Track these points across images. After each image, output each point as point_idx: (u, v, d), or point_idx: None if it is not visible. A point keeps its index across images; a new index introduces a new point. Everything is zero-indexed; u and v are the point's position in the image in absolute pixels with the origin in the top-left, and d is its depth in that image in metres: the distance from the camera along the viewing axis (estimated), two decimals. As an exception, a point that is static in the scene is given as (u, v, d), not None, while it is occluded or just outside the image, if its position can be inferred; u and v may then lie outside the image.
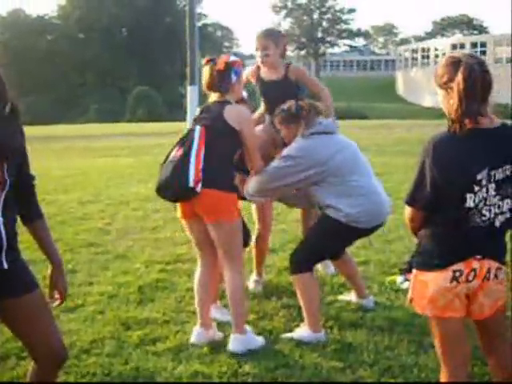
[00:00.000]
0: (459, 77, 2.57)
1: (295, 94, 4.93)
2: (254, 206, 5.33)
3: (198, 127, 4.00)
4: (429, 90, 55.60)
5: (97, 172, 13.59)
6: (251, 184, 4.36)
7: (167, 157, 4.05)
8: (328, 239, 4.33)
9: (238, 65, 4.14)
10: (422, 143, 2.73)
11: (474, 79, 2.57)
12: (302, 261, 4.32)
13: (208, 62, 4.13)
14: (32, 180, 2.69)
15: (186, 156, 3.90)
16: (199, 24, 44.54)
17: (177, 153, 3.97)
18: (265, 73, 5.18)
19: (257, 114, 5.22)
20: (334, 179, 4.22)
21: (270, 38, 5.06)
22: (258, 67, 5.20)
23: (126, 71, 59.01)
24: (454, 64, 2.63)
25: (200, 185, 3.84)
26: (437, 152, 2.63)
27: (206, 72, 4.13)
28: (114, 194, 10.51)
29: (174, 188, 3.93)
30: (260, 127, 5.00)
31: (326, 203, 4.25)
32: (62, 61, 59.33)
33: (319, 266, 5.31)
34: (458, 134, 2.61)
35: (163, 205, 7.49)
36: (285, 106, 4.45)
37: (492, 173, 2.62)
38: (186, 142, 3.99)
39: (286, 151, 4.33)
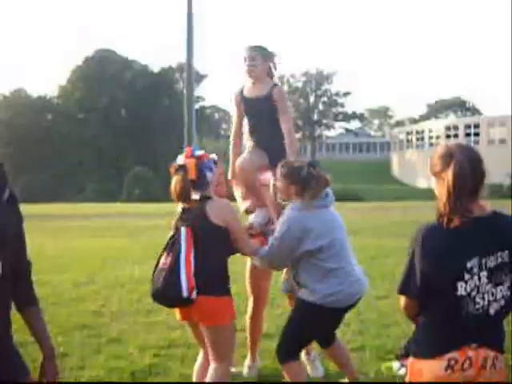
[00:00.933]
0: (449, 174, 2.63)
1: (276, 115, 4.91)
2: (247, 280, 5.24)
3: (183, 229, 3.86)
4: (423, 172, 56.12)
5: (92, 252, 13.54)
6: (258, 263, 4.40)
7: (157, 264, 3.93)
8: (306, 325, 4.24)
9: (205, 158, 3.96)
10: (418, 225, 2.76)
11: (463, 177, 2.62)
12: (287, 351, 4.25)
13: (176, 170, 3.92)
14: (28, 266, 2.68)
15: (176, 263, 3.79)
16: (197, 106, 45.33)
17: (166, 260, 3.86)
18: (248, 91, 5.09)
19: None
20: (315, 260, 4.14)
21: (259, 50, 5.02)
22: (241, 90, 5.14)
23: (123, 151, 59.70)
24: (446, 158, 2.69)
25: (195, 292, 3.74)
26: (425, 242, 2.66)
27: (176, 183, 3.88)
28: (108, 275, 10.44)
29: (168, 298, 3.84)
30: (243, 157, 4.97)
31: (303, 281, 4.21)
32: (60, 140, 60.18)
33: (308, 369, 5.17)
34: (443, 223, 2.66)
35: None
36: (296, 164, 4.28)
37: (483, 260, 2.63)
38: (173, 246, 3.87)
39: (283, 222, 4.20)
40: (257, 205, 5.01)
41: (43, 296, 7.34)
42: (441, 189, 2.70)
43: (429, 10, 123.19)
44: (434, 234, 2.68)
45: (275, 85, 5.06)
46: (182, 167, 3.87)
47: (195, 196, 3.89)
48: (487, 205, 2.74)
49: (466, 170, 2.63)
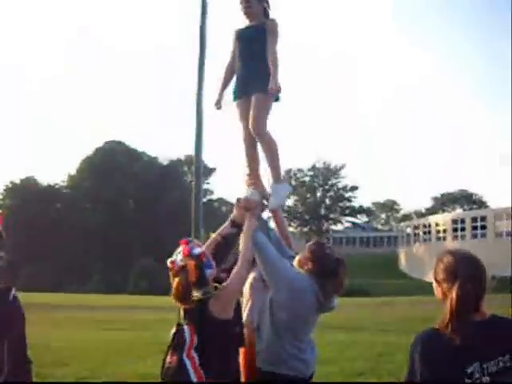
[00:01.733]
0: (453, 295, 2.70)
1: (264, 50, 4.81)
2: None
3: (186, 327, 3.85)
4: (431, 266, 54.86)
5: (96, 346, 13.36)
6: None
7: (164, 363, 3.89)
8: None
9: (204, 255, 3.91)
10: (426, 321, 2.79)
11: (467, 298, 2.69)
12: None
13: (178, 272, 3.85)
14: (29, 365, 2.69)
15: (180, 361, 3.77)
16: (205, 199, 45.68)
17: (172, 358, 3.84)
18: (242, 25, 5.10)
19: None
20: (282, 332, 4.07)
21: None
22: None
23: (130, 243, 59.78)
24: (450, 274, 2.77)
25: (203, 379, 3.73)
26: (424, 348, 2.68)
27: (178, 285, 3.82)
28: (111, 371, 10.26)
29: None
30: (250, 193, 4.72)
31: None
32: (68, 229, 60.37)
33: None
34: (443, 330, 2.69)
35: None
36: (327, 250, 4.23)
37: (484, 365, 2.61)
38: (177, 344, 3.84)
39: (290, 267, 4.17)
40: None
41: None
42: (445, 302, 2.77)
43: (432, 105, 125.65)
44: (432, 340, 2.70)
45: (271, 20, 5.04)
46: (183, 269, 3.84)
47: (197, 294, 3.86)
48: (486, 309, 2.77)
49: (470, 291, 2.69)
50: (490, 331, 2.70)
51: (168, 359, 3.87)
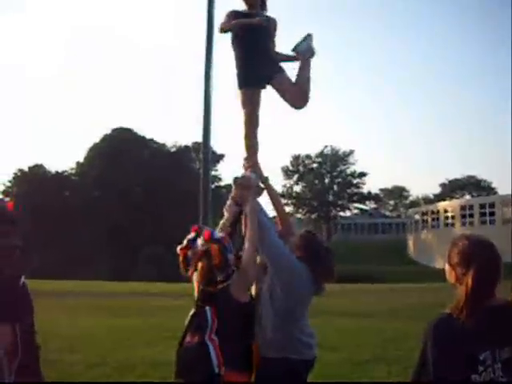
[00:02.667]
0: (469, 279, 2.66)
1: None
2: None
3: (207, 309, 3.88)
4: (440, 252, 55.66)
5: (105, 332, 13.40)
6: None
7: (181, 342, 3.92)
8: None
9: (226, 240, 3.96)
10: (435, 307, 2.76)
11: (483, 282, 2.66)
12: None
13: (201, 256, 3.92)
14: (37, 350, 2.71)
15: (203, 341, 3.80)
16: (213, 186, 45.72)
17: (193, 338, 3.87)
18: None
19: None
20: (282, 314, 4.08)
21: None
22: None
23: (138, 230, 59.89)
24: (466, 258, 2.73)
25: (223, 368, 3.74)
26: (437, 334, 2.65)
27: (202, 269, 3.90)
28: (120, 356, 10.29)
29: (199, 373, 3.79)
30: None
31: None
32: (76, 216, 60.52)
33: None
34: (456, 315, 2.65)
35: (170, 372, 7.29)
36: (317, 238, 4.36)
37: (497, 352, 2.58)
38: (199, 325, 3.87)
39: (289, 253, 4.21)
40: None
41: (54, 377, 7.23)
42: (458, 286, 2.74)
43: (438, 91, 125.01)
44: (445, 326, 2.67)
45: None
46: (206, 252, 3.88)
47: (219, 277, 3.91)
48: (501, 294, 2.74)
49: (486, 275, 2.67)
50: (504, 317, 2.67)
51: (187, 339, 3.89)
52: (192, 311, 3.98)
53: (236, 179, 4.52)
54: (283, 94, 5.01)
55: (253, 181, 4.54)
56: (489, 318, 2.64)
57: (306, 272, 4.14)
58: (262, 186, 4.73)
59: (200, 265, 3.90)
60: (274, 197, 4.89)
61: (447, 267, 2.85)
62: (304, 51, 4.98)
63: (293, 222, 4.99)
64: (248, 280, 4.06)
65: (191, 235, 4.04)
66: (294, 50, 5.00)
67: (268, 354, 4.07)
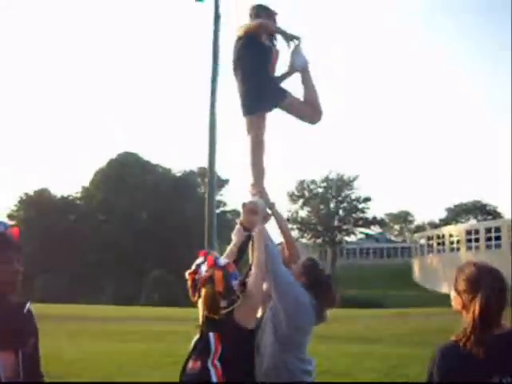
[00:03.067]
0: (476, 306, 2.67)
1: None
2: None
3: (211, 335, 3.86)
4: (445, 277, 55.41)
5: (109, 357, 13.34)
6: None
7: (184, 368, 3.90)
8: None
9: (230, 267, 3.94)
10: (440, 333, 2.77)
11: (490, 310, 2.68)
12: None
13: (204, 283, 3.88)
14: (42, 379, 2.73)
15: (205, 367, 3.77)
16: (218, 211, 45.73)
17: (195, 364, 3.84)
18: None
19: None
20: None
21: (260, 9, 5.07)
22: None
23: (144, 254, 59.85)
24: (473, 285, 2.74)
25: None
26: (443, 362, 2.65)
27: (205, 296, 3.86)
28: (125, 381, 10.25)
29: None
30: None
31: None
32: (81, 240, 60.57)
33: None
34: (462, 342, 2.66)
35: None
36: (320, 266, 4.36)
37: (504, 381, 2.59)
38: (202, 351, 3.85)
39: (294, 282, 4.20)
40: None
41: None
42: (464, 313, 2.74)
43: (445, 116, 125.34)
44: (452, 353, 2.67)
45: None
46: (210, 279, 3.86)
47: (223, 305, 3.87)
48: (506, 320, 2.75)
49: (493, 303, 2.68)
50: (509, 345, 2.67)
51: (190, 365, 3.87)
52: (196, 337, 3.97)
53: (244, 204, 4.55)
54: (297, 116, 5.07)
55: (261, 206, 4.57)
56: (496, 346, 2.64)
57: (309, 300, 4.13)
58: (269, 211, 4.77)
59: (203, 291, 3.87)
60: (282, 223, 4.90)
61: (453, 294, 2.86)
62: (301, 64, 5.03)
63: (299, 248, 5.01)
64: (253, 306, 4.02)
65: (200, 260, 4.04)
66: (291, 67, 5.06)
67: (264, 380, 4.06)
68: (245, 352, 3.91)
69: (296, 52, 5.02)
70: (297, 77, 5.13)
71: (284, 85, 5.15)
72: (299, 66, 5.03)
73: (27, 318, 2.70)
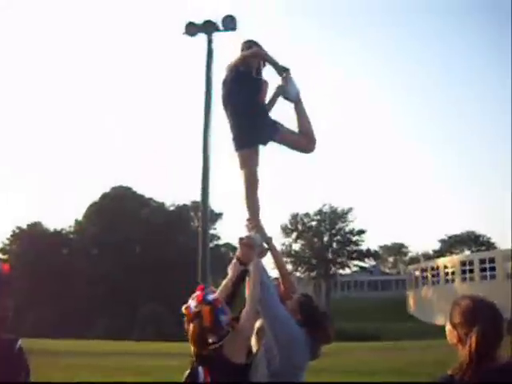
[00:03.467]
0: (473, 340, 2.68)
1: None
2: None
3: (200, 369, 3.86)
4: (440, 308, 55.19)
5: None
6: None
7: None
8: None
9: (218, 302, 3.91)
10: (437, 365, 2.77)
11: (487, 345, 2.67)
12: None
13: (193, 318, 3.85)
14: None
15: None
16: (212, 245, 45.62)
17: None
18: None
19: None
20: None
21: (252, 43, 5.09)
22: None
23: (137, 288, 59.48)
24: (470, 319, 2.74)
25: None
26: None
27: (193, 332, 3.83)
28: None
29: None
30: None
31: None
32: (74, 274, 60.20)
33: None
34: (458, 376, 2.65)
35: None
36: (314, 303, 4.35)
37: None
38: None
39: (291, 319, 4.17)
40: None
41: None
42: (460, 346, 2.73)
43: (436, 151, 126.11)
44: None
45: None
46: (198, 314, 3.84)
47: (211, 339, 3.85)
48: (505, 349, 2.73)
49: (489, 336, 2.68)
50: (507, 378, 2.66)
51: None
52: (187, 371, 3.95)
53: (241, 239, 4.55)
54: (291, 146, 5.07)
55: (257, 241, 4.56)
56: (492, 380, 2.63)
57: (304, 337, 4.11)
58: (265, 246, 4.76)
59: (191, 327, 3.85)
60: (278, 257, 4.89)
61: (449, 327, 2.84)
62: (294, 95, 5.05)
63: (294, 281, 5.00)
64: (243, 341, 3.99)
65: (195, 294, 4.03)
66: (285, 98, 5.08)
67: None
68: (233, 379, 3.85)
69: (288, 82, 5.04)
70: (284, 104, 5.16)
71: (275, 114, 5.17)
72: (293, 96, 5.04)
73: (18, 356, 2.66)
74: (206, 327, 3.80)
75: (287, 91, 5.05)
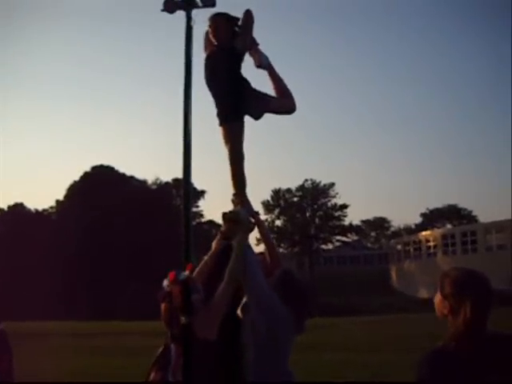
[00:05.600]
0: (467, 310, 2.68)
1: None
2: None
3: (172, 347, 3.87)
4: (422, 282, 55.78)
5: (90, 373, 13.20)
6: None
7: (147, 379, 3.89)
8: None
9: (189, 280, 3.90)
10: (420, 338, 2.76)
11: (481, 312, 2.67)
12: None
13: (164, 298, 3.87)
14: None
15: (165, 380, 3.76)
16: (194, 222, 45.58)
17: (155, 376, 3.84)
18: None
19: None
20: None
21: (220, 16, 5.07)
22: None
23: (119, 267, 59.48)
24: (462, 289, 2.75)
25: None
26: (433, 368, 2.63)
27: (164, 312, 3.87)
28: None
29: None
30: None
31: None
32: (57, 255, 59.99)
33: None
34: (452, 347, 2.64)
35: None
36: (295, 276, 4.37)
37: (495, 380, 2.58)
38: (163, 363, 3.85)
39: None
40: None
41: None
42: (451, 318, 2.75)
43: (418, 124, 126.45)
44: (441, 359, 2.65)
45: None
46: (168, 294, 3.84)
47: (183, 319, 3.85)
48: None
49: (482, 305, 2.69)
50: (500, 346, 2.67)
51: (152, 376, 3.86)
52: (160, 349, 3.97)
53: (225, 214, 4.53)
54: (278, 112, 5.17)
55: (242, 216, 4.54)
56: (485, 348, 2.64)
57: (286, 313, 4.11)
58: (252, 220, 4.75)
59: (162, 306, 3.88)
60: (265, 231, 4.91)
61: (439, 298, 2.83)
62: (265, 63, 5.16)
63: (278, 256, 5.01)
64: (215, 317, 3.93)
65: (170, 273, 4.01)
66: (257, 67, 5.17)
67: None
68: (206, 364, 3.84)
69: (258, 51, 5.17)
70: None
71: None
72: (265, 63, 5.14)
73: (2, 339, 2.63)
74: (176, 307, 3.80)
75: (259, 59, 5.14)
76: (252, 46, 5.15)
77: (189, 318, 3.83)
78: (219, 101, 5.00)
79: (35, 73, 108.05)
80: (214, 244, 4.50)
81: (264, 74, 5.17)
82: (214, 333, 3.90)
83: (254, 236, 4.84)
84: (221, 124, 4.97)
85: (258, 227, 4.81)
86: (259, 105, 5.01)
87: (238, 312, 4.38)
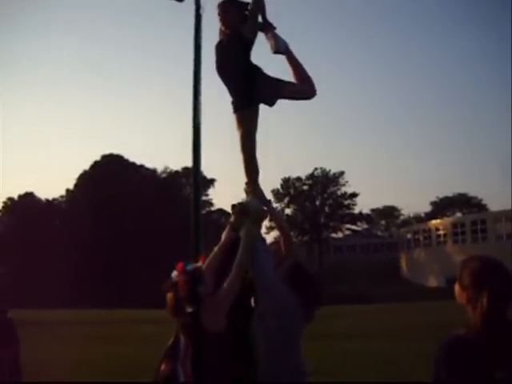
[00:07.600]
0: (484, 300, 2.65)
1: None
2: None
3: (182, 339, 3.86)
4: (432, 271, 55.70)
5: (99, 361, 13.26)
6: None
7: (158, 369, 3.89)
8: None
9: (197, 271, 3.89)
10: (430, 327, 2.75)
11: (498, 303, 2.66)
12: None
13: (170, 288, 3.86)
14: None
15: (174, 369, 3.76)
16: (204, 211, 45.58)
17: (166, 366, 3.83)
18: None
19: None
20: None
21: (230, 2, 4.97)
22: None
23: (129, 256, 59.67)
24: (480, 279, 2.72)
25: None
26: (451, 356, 2.61)
27: (168, 301, 3.87)
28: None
29: None
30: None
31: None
32: (67, 244, 60.26)
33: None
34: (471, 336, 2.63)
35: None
36: (304, 267, 4.34)
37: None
38: (173, 353, 3.85)
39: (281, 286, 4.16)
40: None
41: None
42: (470, 308, 2.74)
43: (429, 112, 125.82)
44: (459, 346, 2.63)
45: None
46: (175, 285, 3.84)
47: (189, 310, 3.82)
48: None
49: (501, 296, 2.67)
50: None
51: (162, 367, 3.86)
52: (171, 340, 3.95)
53: (234, 206, 4.50)
54: (296, 97, 5.05)
55: (251, 207, 4.51)
56: (504, 338, 2.62)
57: (296, 303, 4.09)
58: (265, 209, 4.72)
59: (167, 296, 3.88)
60: (279, 219, 4.86)
61: (458, 288, 2.82)
62: (284, 46, 5.03)
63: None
64: (222, 309, 3.92)
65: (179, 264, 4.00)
66: (275, 53, 5.05)
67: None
68: (215, 355, 3.83)
69: (276, 36, 5.05)
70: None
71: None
72: (283, 48, 5.02)
73: (8, 327, 2.64)
74: (181, 297, 3.79)
75: (277, 44, 5.03)
76: (269, 31, 5.06)
77: (194, 308, 3.81)
78: (231, 88, 4.93)
79: (50, 60, 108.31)
80: (223, 235, 4.48)
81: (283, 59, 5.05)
82: (221, 324, 3.89)
83: (264, 224, 4.80)
84: (235, 111, 4.93)
85: (271, 216, 4.78)
86: (272, 91, 4.90)
87: (252, 302, 4.37)
